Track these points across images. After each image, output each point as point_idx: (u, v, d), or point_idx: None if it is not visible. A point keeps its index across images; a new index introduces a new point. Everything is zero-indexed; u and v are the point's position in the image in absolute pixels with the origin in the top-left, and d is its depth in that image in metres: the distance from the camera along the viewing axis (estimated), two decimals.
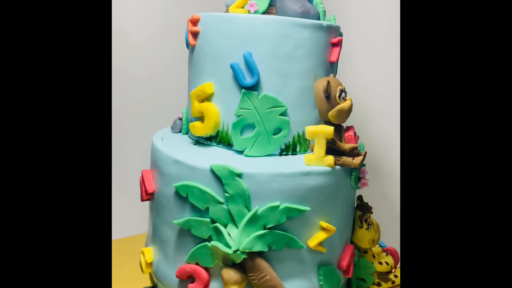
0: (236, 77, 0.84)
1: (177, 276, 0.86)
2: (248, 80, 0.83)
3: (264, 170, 0.79)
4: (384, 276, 1.07)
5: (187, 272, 0.85)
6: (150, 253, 0.93)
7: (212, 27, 0.88)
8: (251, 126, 0.86)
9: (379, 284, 1.04)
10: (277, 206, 0.79)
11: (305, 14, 0.85)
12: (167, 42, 1.40)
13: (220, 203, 0.80)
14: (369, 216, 0.99)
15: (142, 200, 0.95)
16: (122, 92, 1.41)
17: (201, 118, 0.90)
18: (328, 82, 0.83)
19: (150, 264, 0.93)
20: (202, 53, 0.90)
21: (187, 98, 0.99)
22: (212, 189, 0.80)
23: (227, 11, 0.93)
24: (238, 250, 0.78)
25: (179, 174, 0.84)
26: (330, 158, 0.83)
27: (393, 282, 1.07)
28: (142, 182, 0.93)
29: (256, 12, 0.87)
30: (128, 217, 1.37)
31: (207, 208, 0.81)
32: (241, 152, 0.88)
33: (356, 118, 1.29)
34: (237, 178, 0.78)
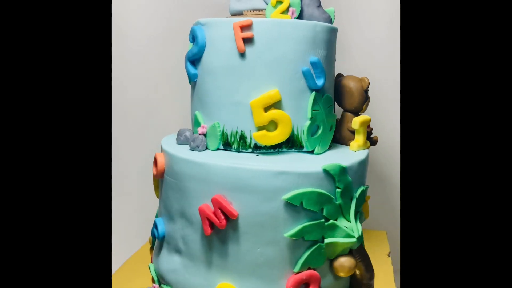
0: (308, 81, 0.87)
1: None
2: (319, 83, 0.88)
3: (352, 161, 0.88)
4: None
5: (303, 280, 0.84)
6: None
7: (274, 33, 0.85)
8: (317, 126, 0.90)
9: None
10: (366, 188, 0.91)
11: (327, 20, 0.96)
12: (168, 44, 1.36)
13: (331, 199, 0.83)
14: None
15: (208, 233, 0.81)
16: (122, 94, 1.41)
17: (265, 127, 0.86)
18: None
19: None
20: (261, 59, 0.86)
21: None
22: (324, 189, 0.82)
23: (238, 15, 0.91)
24: (359, 236, 0.85)
25: (285, 185, 0.80)
26: (367, 142, 0.99)
27: None
28: (214, 212, 0.80)
29: (295, 18, 0.90)
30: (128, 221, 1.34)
31: (321, 210, 0.82)
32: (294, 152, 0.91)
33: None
34: (345, 172, 0.84)
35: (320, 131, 0.92)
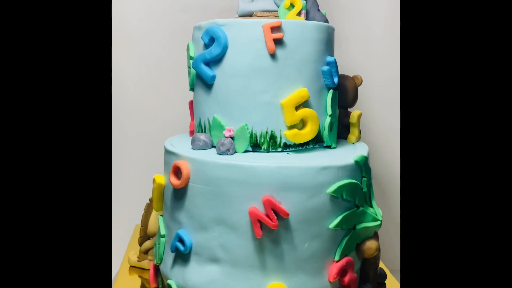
0: (327, 80, 0.91)
1: (334, 279, 0.86)
2: (336, 81, 0.93)
3: (365, 152, 0.96)
4: None
5: (343, 267, 0.88)
6: None
7: (301, 34, 0.87)
8: (332, 122, 0.95)
9: None
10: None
11: (325, 22, 1.01)
12: (168, 44, 1.35)
13: (361, 188, 0.89)
14: None
15: (260, 235, 0.80)
16: (122, 94, 1.42)
17: (295, 126, 0.88)
18: None
19: None
20: (290, 59, 0.87)
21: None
22: (356, 179, 0.88)
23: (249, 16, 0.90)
24: (382, 218, 0.93)
25: (327, 179, 0.84)
26: (359, 134, 1.08)
27: None
28: (266, 214, 0.80)
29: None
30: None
31: (354, 199, 0.88)
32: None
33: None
34: (367, 162, 0.91)
35: (334, 127, 0.98)
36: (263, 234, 0.82)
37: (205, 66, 0.91)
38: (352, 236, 0.90)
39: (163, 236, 0.98)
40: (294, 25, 0.88)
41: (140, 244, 1.17)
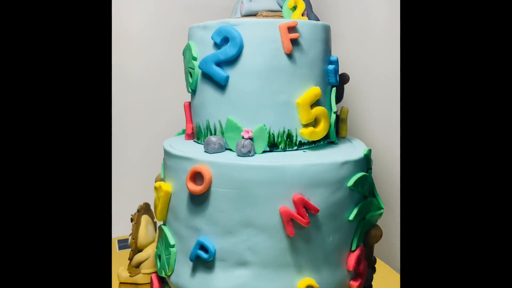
0: (331, 78, 0.94)
1: (353, 268, 0.90)
2: (338, 79, 0.96)
3: (360, 145, 1.02)
4: None
5: (359, 255, 0.93)
6: None
7: (313, 34, 0.89)
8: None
9: None
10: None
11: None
12: (168, 45, 1.34)
13: (368, 180, 0.94)
14: None
15: (293, 233, 0.81)
16: (122, 94, 1.43)
17: (310, 124, 0.90)
18: None
19: None
20: (304, 59, 0.89)
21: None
22: (364, 171, 0.93)
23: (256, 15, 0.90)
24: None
25: (347, 174, 0.88)
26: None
27: None
28: (297, 212, 0.80)
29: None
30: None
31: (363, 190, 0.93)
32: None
33: (356, 117, 1.40)
34: (370, 155, 0.96)
35: (334, 122, 1.02)
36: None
37: (217, 67, 0.88)
38: (363, 225, 0.95)
39: (173, 246, 0.93)
40: (307, 25, 0.90)
41: (131, 258, 1.09)
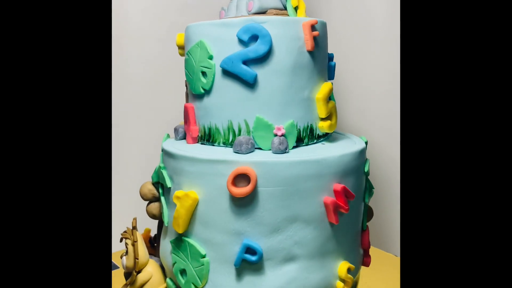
0: (331, 73, 1.00)
1: (366, 246, 0.99)
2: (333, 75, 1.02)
3: (347, 134, 1.10)
4: None
5: (367, 234, 1.01)
6: None
7: (324, 32, 0.94)
8: None
9: None
10: None
11: None
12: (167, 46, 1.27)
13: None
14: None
15: (338, 221, 0.85)
16: (122, 95, 1.43)
17: (327, 118, 0.95)
18: None
19: None
20: (320, 56, 0.93)
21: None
22: None
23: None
24: None
25: (363, 161, 0.96)
26: None
27: None
28: (340, 200, 0.85)
29: None
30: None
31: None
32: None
33: (355, 118, 1.39)
34: None
35: None
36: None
37: (244, 65, 0.86)
38: (365, 207, 1.05)
39: (204, 256, 0.88)
40: (321, 23, 0.94)
41: (132, 283, 0.97)
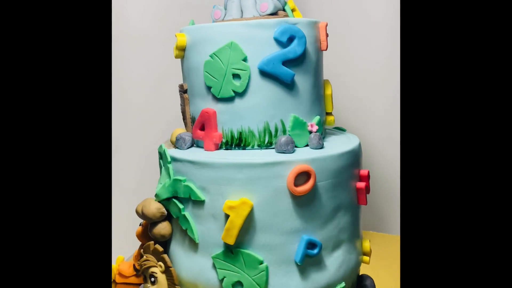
0: None
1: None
2: None
3: None
4: None
5: None
6: None
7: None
8: None
9: None
10: None
11: None
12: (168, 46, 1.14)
13: None
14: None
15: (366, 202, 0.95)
16: (122, 96, 1.44)
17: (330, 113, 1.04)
18: None
19: None
20: (324, 55, 0.99)
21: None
22: None
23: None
24: None
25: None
26: None
27: None
28: (366, 184, 0.95)
29: None
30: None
31: None
32: None
33: (356, 118, 1.38)
34: None
35: None
36: None
37: (283, 66, 0.87)
38: None
39: (262, 262, 0.85)
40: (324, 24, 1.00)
41: None
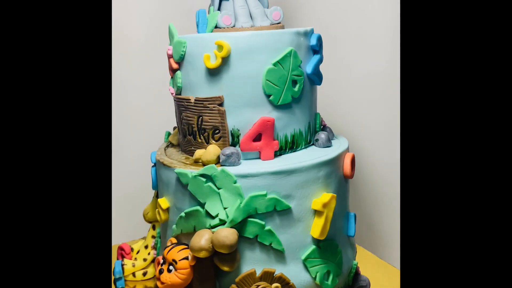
0: None
1: None
2: None
3: None
4: None
5: None
6: None
7: None
8: None
9: None
10: None
11: None
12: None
13: None
14: None
15: None
16: (121, 98, 1.46)
17: None
18: None
19: None
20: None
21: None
22: None
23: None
24: None
25: None
26: None
27: None
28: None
29: None
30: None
31: None
32: None
33: (356, 119, 1.36)
34: None
35: None
36: None
37: (320, 70, 0.96)
38: None
39: (337, 245, 0.95)
40: None
41: None
